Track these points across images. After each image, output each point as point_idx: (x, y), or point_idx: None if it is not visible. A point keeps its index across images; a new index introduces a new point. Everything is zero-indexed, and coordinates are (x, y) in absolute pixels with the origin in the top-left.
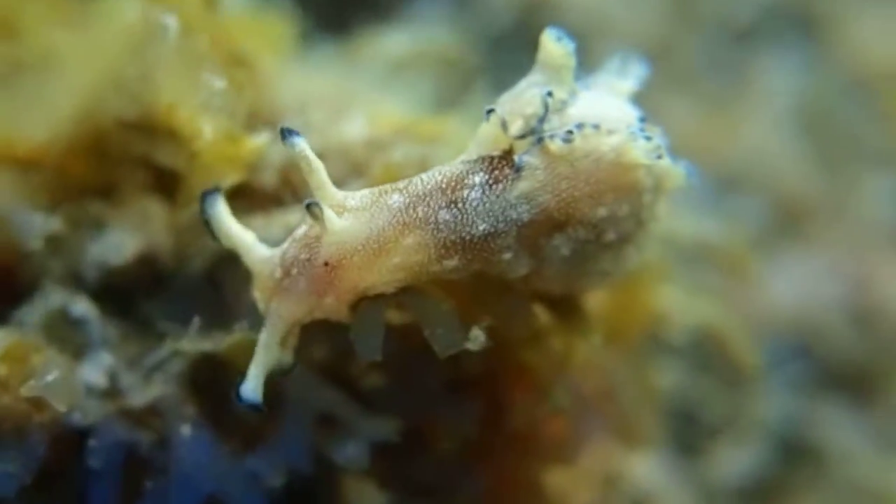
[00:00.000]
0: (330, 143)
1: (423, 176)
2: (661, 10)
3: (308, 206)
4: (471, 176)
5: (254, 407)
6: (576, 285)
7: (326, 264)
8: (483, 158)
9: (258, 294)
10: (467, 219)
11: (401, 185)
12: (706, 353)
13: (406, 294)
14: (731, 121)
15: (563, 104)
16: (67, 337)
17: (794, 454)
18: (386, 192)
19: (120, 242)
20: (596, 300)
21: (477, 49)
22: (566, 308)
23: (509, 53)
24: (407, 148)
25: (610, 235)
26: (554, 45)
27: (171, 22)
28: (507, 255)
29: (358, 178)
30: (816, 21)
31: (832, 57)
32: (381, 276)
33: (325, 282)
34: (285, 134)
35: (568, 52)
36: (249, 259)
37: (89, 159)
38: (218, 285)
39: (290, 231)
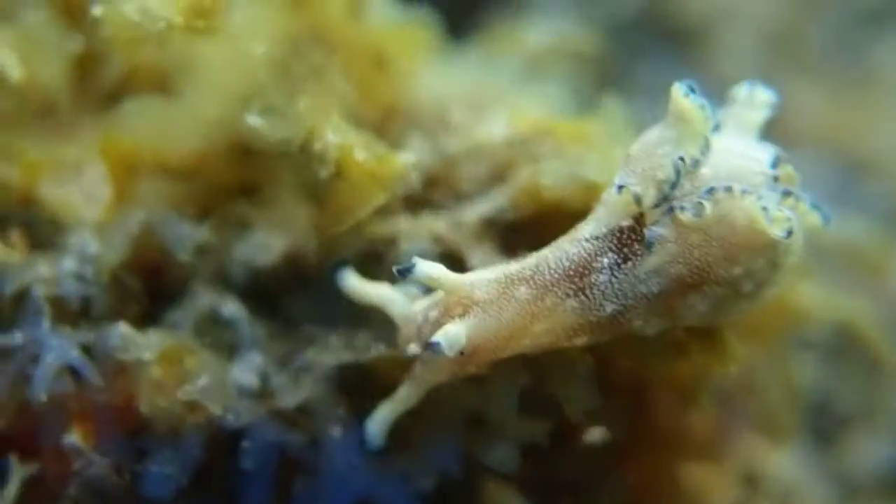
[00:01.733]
0: (471, 144)
1: (550, 260)
2: None
3: (430, 346)
4: (599, 258)
5: (374, 450)
6: (715, 323)
7: (461, 353)
8: (612, 233)
9: (401, 347)
10: (595, 303)
11: (528, 272)
12: (845, 349)
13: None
14: (858, 106)
15: (695, 164)
16: (218, 338)
17: None
18: (513, 283)
19: (266, 243)
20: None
21: (603, 38)
22: (710, 336)
23: (635, 40)
24: (552, 162)
25: (747, 287)
26: (685, 100)
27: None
28: (638, 323)
29: (500, 183)
30: None
31: None
32: (516, 352)
33: (463, 362)
34: (404, 274)
35: (700, 105)
36: (391, 313)
37: (233, 162)
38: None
39: (435, 239)
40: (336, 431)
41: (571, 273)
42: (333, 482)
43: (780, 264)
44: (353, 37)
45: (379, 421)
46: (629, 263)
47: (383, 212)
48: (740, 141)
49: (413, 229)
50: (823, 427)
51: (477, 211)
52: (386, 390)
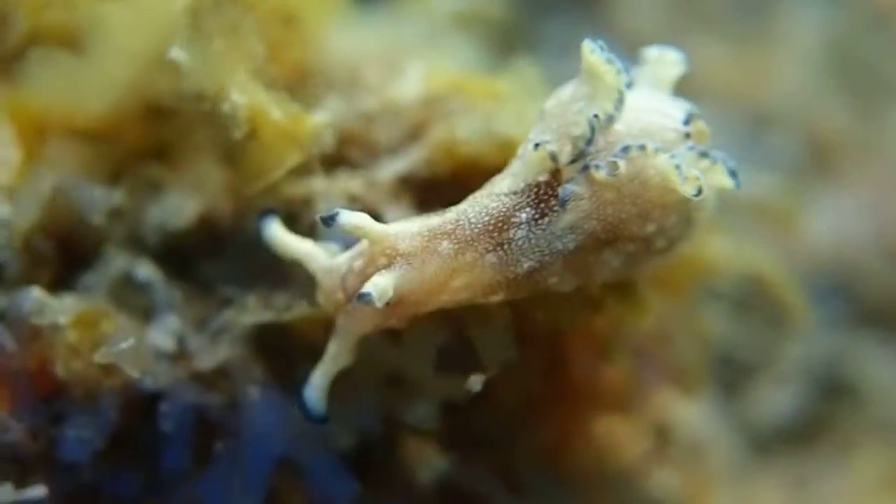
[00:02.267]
0: (385, 103)
1: (471, 215)
2: None
3: (361, 297)
4: (517, 213)
5: (317, 419)
6: (627, 278)
7: (387, 304)
8: (529, 188)
9: (323, 301)
10: (512, 258)
11: (449, 226)
12: (750, 297)
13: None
14: (759, 60)
15: (610, 119)
16: (133, 301)
17: (835, 392)
18: (436, 237)
19: (179, 205)
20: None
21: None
22: (624, 288)
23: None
24: (466, 118)
25: (660, 243)
26: (595, 57)
27: None
28: (554, 280)
29: (413, 140)
30: None
31: None
32: (435, 307)
33: (387, 313)
34: (328, 223)
35: (609, 60)
36: (312, 269)
37: (146, 127)
38: None
39: (351, 198)
40: (254, 392)
41: (491, 228)
42: (253, 443)
43: (693, 220)
44: None
45: (315, 386)
46: (546, 219)
47: (298, 172)
48: (653, 97)
49: (328, 189)
50: (730, 377)
51: (392, 169)
52: (304, 350)
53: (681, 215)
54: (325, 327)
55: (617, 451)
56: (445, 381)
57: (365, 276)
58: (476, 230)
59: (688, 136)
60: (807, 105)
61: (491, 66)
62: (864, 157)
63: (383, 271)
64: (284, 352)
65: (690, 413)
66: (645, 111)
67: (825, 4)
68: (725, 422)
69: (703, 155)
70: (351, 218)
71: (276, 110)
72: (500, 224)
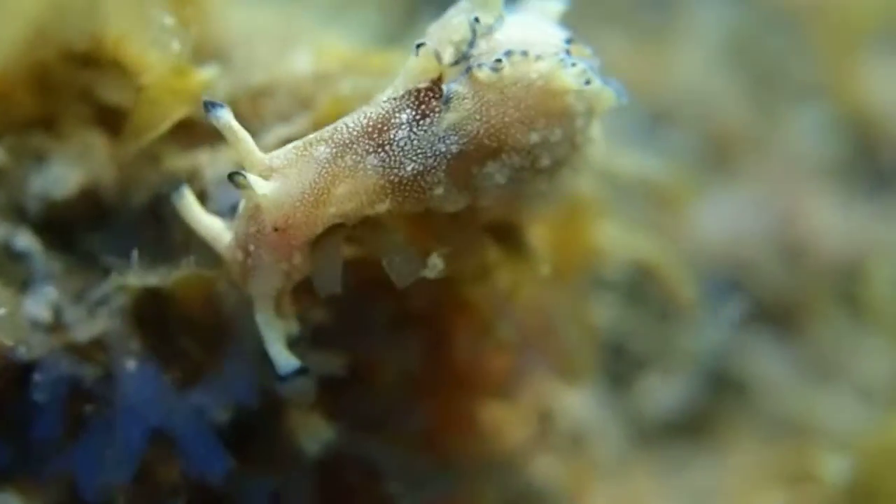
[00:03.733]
0: (277, 77)
1: (349, 120)
2: None
3: (231, 178)
4: (397, 114)
5: (299, 372)
6: (515, 209)
7: (276, 229)
8: (409, 93)
9: (236, 281)
10: (395, 160)
11: (326, 133)
12: (641, 288)
13: (361, 227)
14: (661, 54)
15: (490, 29)
16: (10, 270)
17: (723, 387)
18: (311, 144)
19: (62, 175)
20: (535, 236)
21: None
22: (513, 241)
23: None
24: (355, 81)
25: (545, 161)
26: None
27: None
28: (439, 191)
29: (305, 111)
30: None
31: None
32: (327, 224)
33: (283, 244)
34: (208, 107)
35: None
36: (219, 249)
37: (32, 90)
38: (162, 219)
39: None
40: (130, 364)
41: (370, 130)
42: (127, 415)
43: (578, 144)
44: None
45: (276, 354)
46: (427, 120)
47: (183, 144)
48: (536, 20)
49: (214, 160)
50: (618, 368)
51: (278, 134)
52: (183, 322)
53: (565, 132)
54: (207, 297)
55: (498, 437)
56: (323, 357)
57: (251, 216)
58: (354, 133)
59: (567, 52)
60: (706, 100)
61: (392, 39)
62: (762, 153)
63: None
64: (164, 324)
65: (574, 402)
66: (526, 26)
67: (728, 1)
68: (611, 412)
69: (581, 69)
70: (232, 119)
71: (165, 64)
72: (379, 125)
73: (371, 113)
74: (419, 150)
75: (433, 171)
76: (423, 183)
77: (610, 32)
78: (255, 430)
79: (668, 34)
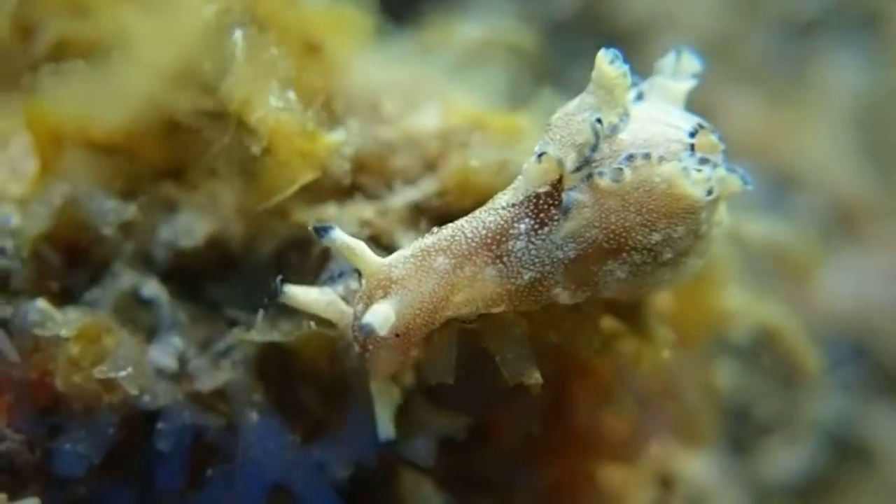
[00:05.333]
0: (402, 134)
1: (467, 229)
2: (724, 1)
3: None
4: (516, 224)
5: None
6: (637, 296)
7: (397, 336)
8: (529, 199)
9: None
10: (513, 271)
11: (444, 243)
12: (766, 354)
13: (480, 319)
14: (792, 118)
15: (614, 129)
16: (138, 318)
17: (846, 454)
18: (430, 255)
19: (191, 225)
20: (661, 299)
21: (541, 36)
22: (634, 313)
23: (572, 41)
24: (483, 149)
25: (667, 255)
26: (608, 67)
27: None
28: (557, 291)
29: (430, 172)
30: (880, 16)
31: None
32: (443, 321)
33: (402, 345)
34: (320, 232)
35: (622, 73)
36: (340, 327)
37: (162, 143)
38: (287, 272)
39: (362, 225)
40: (253, 416)
41: (489, 241)
42: (248, 468)
43: (702, 234)
44: (288, 20)
45: (380, 420)
46: (546, 229)
47: (310, 197)
48: (661, 110)
49: (340, 215)
50: (741, 433)
51: (405, 197)
52: (306, 376)
53: (689, 227)
54: (329, 354)
55: (618, 501)
56: (446, 418)
57: None
58: (473, 244)
59: (692, 147)
60: (835, 166)
61: (516, 98)
62: (890, 220)
63: (380, 300)
64: (286, 377)
65: (696, 466)
66: (650, 122)
67: (862, 66)
68: (732, 477)
69: (704, 161)
70: (344, 237)
71: (294, 127)
72: (498, 236)
73: (489, 222)
74: (537, 259)
75: (550, 276)
76: (540, 288)
77: (738, 93)
78: (370, 488)
79: (798, 97)
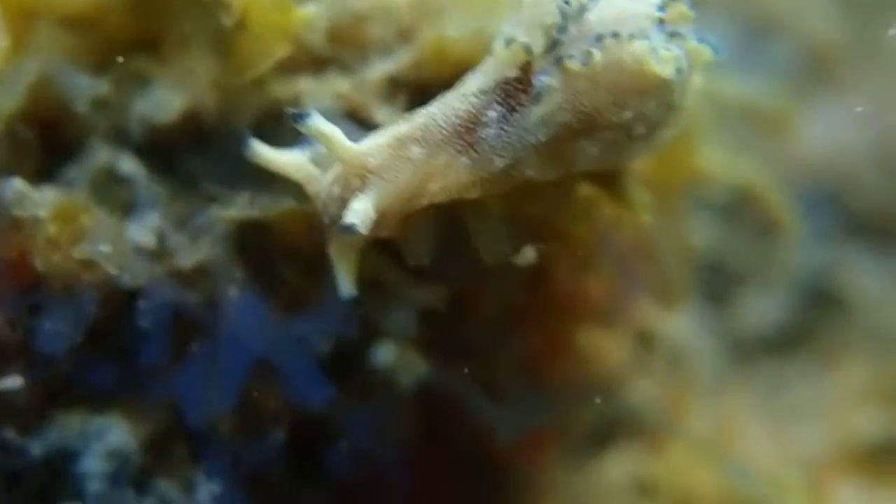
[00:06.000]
0: (375, 2)
1: (439, 118)
2: None
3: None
4: (486, 111)
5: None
6: (612, 167)
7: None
8: (498, 86)
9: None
10: (486, 158)
11: (418, 132)
12: (740, 207)
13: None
14: None
15: (582, 8)
16: (115, 195)
17: (822, 302)
18: (405, 144)
19: (166, 99)
20: (638, 163)
21: None
22: (612, 179)
23: None
24: (460, 19)
25: (639, 130)
26: None
27: None
28: (531, 173)
29: (405, 42)
30: None
31: None
32: (416, 210)
33: (374, 229)
34: (296, 118)
35: None
36: (308, 192)
37: (135, 17)
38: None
39: (339, 98)
40: (233, 292)
41: (461, 129)
42: (230, 343)
43: (674, 105)
44: None
45: (342, 277)
46: (516, 115)
47: (285, 70)
48: None
49: (316, 89)
50: (716, 286)
51: (381, 69)
52: (286, 251)
53: (660, 100)
54: (308, 228)
55: (597, 362)
56: (425, 290)
57: (343, 202)
58: (446, 133)
59: (661, 21)
60: (810, 14)
61: None
62: (865, 67)
63: (359, 195)
64: (266, 253)
65: (673, 324)
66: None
67: None
68: (709, 331)
69: (674, 35)
70: (321, 124)
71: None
72: (469, 124)
73: (461, 110)
74: (509, 145)
75: (523, 160)
76: (513, 173)
77: None
78: (354, 360)
79: None
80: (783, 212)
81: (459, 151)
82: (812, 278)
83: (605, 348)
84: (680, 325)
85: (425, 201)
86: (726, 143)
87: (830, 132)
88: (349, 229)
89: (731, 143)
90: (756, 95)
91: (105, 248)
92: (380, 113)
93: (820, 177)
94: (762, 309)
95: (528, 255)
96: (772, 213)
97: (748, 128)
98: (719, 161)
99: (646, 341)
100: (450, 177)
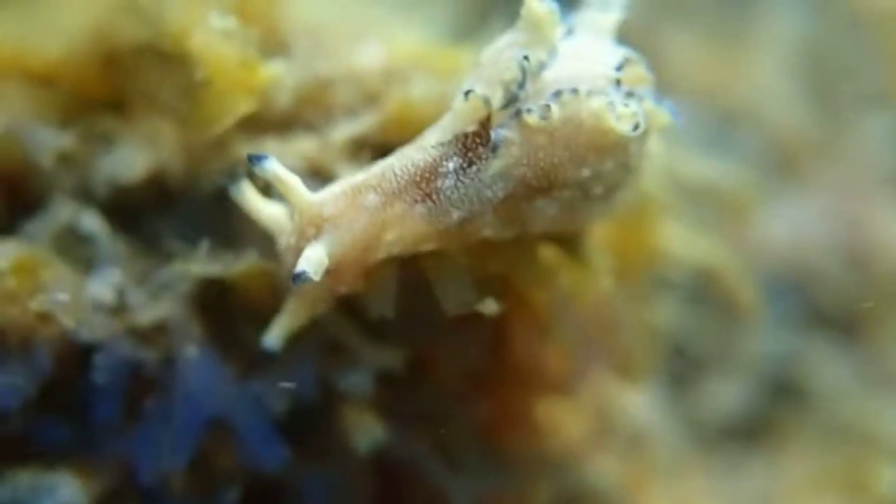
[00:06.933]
0: (343, 68)
1: (396, 167)
2: None
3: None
4: (444, 162)
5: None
6: (570, 228)
7: (328, 272)
8: (457, 139)
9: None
10: (442, 209)
11: (374, 180)
12: (703, 290)
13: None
14: (733, 57)
15: (541, 66)
16: (76, 251)
17: (782, 391)
18: (361, 192)
19: (130, 158)
20: (599, 235)
21: None
22: (574, 243)
23: None
24: (426, 83)
25: (597, 190)
26: (536, 4)
27: None
28: (487, 231)
29: (371, 106)
30: None
31: None
32: (373, 263)
33: (331, 282)
34: (253, 160)
35: (550, 10)
36: (279, 244)
37: (101, 75)
38: (228, 206)
39: (303, 160)
40: (191, 350)
41: (418, 179)
42: (186, 402)
43: (631, 166)
44: None
45: (276, 328)
46: (474, 168)
47: (251, 129)
48: (589, 44)
49: (281, 149)
50: (679, 369)
51: (346, 131)
52: (247, 311)
53: (618, 161)
54: (270, 288)
55: (556, 434)
56: (383, 352)
57: (298, 252)
58: (402, 181)
59: (618, 81)
60: (776, 106)
61: (464, 31)
62: (829, 161)
63: (313, 243)
64: (226, 312)
65: (634, 402)
66: (576, 58)
67: (804, 7)
68: (670, 413)
69: (630, 95)
70: (278, 169)
71: (232, 57)
72: (427, 174)
73: (418, 160)
74: (466, 198)
75: (480, 215)
76: (469, 227)
77: (680, 32)
78: (311, 422)
79: (740, 37)
80: (747, 296)
81: (416, 200)
82: (773, 367)
83: (564, 422)
84: (641, 403)
85: (382, 252)
86: (690, 223)
87: (794, 223)
88: (301, 277)
89: (694, 223)
90: (721, 179)
91: (63, 298)
92: (344, 172)
93: (783, 266)
94: (723, 394)
95: (491, 306)
96: (735, 296)
97: (712, 210)
98: (682, 240)
99: (605, 418)
100: (406, 226)
